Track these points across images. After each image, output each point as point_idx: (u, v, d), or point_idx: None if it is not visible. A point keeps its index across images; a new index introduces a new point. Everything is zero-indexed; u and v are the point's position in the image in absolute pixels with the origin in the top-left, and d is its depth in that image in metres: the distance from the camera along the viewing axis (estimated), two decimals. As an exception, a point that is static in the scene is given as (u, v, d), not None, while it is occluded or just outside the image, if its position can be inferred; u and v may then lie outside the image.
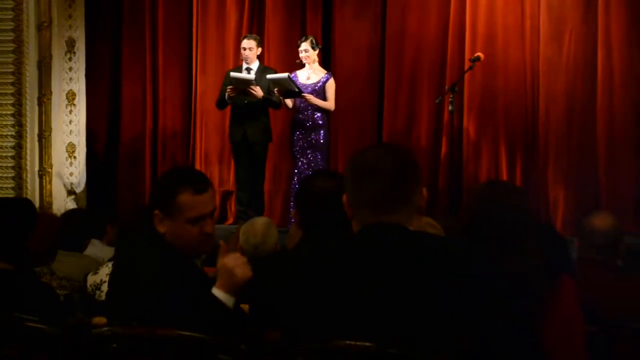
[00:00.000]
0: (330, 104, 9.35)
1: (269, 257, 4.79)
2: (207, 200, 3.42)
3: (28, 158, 9.51)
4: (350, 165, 2.82)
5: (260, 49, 9.61)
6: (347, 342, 2.57)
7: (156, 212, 3.42)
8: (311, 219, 3.50)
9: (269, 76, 9.27)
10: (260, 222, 5.11)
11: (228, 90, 9.26)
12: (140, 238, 3.53)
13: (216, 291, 3.22)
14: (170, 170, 3.99)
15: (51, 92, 9.56)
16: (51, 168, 9.59)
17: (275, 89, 9.24)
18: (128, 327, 3.01)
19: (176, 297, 3.27)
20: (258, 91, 9.19)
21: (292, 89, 9.19)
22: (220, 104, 9.51)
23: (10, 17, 9.44)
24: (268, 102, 9.35)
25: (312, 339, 2.64)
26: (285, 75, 9.21)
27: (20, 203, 4.50)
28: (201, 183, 3.45)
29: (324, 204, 3.39)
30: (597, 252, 4.30)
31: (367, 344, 2.55)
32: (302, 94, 9.22)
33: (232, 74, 9.31)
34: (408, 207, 2.75)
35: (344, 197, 2.83)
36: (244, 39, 9.68)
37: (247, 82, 9.19)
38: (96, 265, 5.01)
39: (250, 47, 9.46)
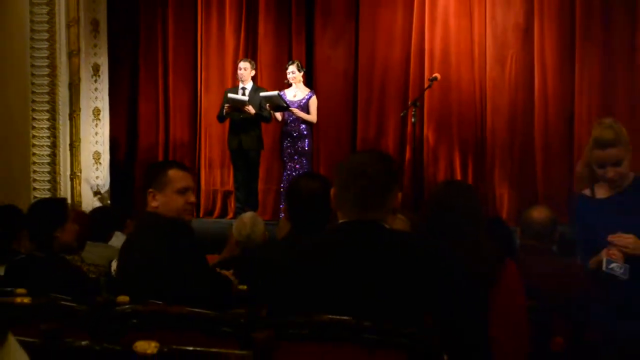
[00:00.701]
0: (312, 117, 9.35)
1: (259, 245, 4.80)
2: (190, 177, 3.70)
3: (61, 164, 9.47)
4: (340, 166, 2.81)
5: (254, 71, 9.61)
6: (329, 316, 2.57)
7: (150, 190, 3.62)
8: (297, 213, 3.49)
9: (261, 94, 9.30)
10: (247, 216, 5.11)
11: (225, 107, 9.29)
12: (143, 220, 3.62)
13: None
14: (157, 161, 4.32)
15: (80, 109, 9.52)
16: (80, 172, 9.56)
17: (267, 104, 9.26)
18: (146, 304, 3.00)
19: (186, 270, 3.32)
20: (250, 109, 9.21)
21: (281, 104, 9.22)
22: (220, 118, 9.53)
23: (46, 46, 9.39)
24: (260, 117, 9.37)
25: (299, 314, 2.63)
26: (275, 92, 9.25)
27: (55, 202, 4.49)
28: (183, 165, 3.80)
29: (309, 201, 3.39)
30: (535, 240, 4.31)
31: (345, 317, 2.55)
32: (290, 108, 9.24)
33: (230, 95, 9.32)
34: (385, 207, 2.75)
35: (332, 192, 2.82)
36: (240, 61, 9.68)
37: (241, 103, 9.22)
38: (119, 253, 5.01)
39: (245, 68, 9.47)
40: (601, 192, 4.23)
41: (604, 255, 3.94)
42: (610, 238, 3.97)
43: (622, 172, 4.11)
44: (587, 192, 4.26)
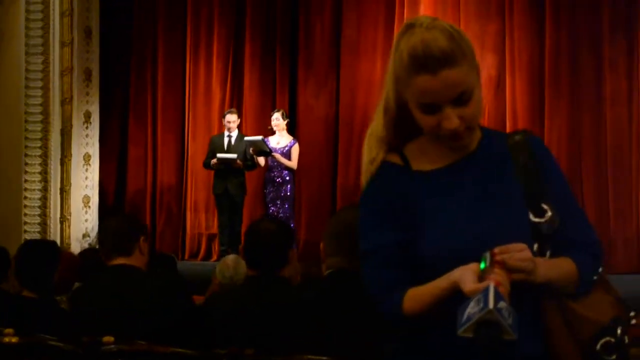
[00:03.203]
0: (293, 163, 9.40)
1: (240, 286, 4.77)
2: None
3: (51, 207, 9.44)
4: (330, 222, 2.83)
5: (239, 120, 9.67)
6: (309, 355, 2.56)
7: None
8: (254, 253, 3.44)
9: (246, 138, 9.40)
10: (230, 258, 5.09)
11: (213, 163, 9.41)
12: None
13: None
14: None
15: (71, 154, 9.52)
16: (70, 216, 9.52)
17: (251, 149, 9.29)
18: (131, 343, 2.97)
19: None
20: (239, 163, 9.31)
21: (264, 149, 9.26)
22: (207, 166, 9.57)
23: (40, 94, 9.42)
24: (246, 167, 9.46)
25: (281, 353, 2.62)
26: (260, 137, 9.33)
27: (47, 244, 4.46)
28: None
29: (265, 242, 3.36)
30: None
31: (324, 357, 2.54)
32: (272, 154, 9.28)
33: (219, 155, 9.39)
34: None
35: (321, 245, 2.84)
36: (227, 113, 9.72)
37: (231, 160, 9.29)
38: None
39: (233, 121, 9.56)
40: (425, 161, 2.03)
41: (486, 282, 1.75)
42: (498, 250, 1.81)
43: (472, 116, 1.95)
44: (394, 159, 2.06)
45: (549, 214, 1.98)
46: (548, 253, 1.97)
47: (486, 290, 1.70)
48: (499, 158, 2.03)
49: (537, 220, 1.98)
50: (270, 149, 9.31)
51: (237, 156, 9.34)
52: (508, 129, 9.66)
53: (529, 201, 1.98)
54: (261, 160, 9.42)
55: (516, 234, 1.88)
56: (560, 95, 9.66)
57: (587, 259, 2.00)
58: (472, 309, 1.69)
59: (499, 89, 9.87)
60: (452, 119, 1.89)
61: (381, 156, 2.04)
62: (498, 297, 1.68)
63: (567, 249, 1.98)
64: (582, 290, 1.98)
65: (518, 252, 1.81)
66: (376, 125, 2.14)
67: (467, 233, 1.90)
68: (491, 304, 1.66)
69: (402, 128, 2.05)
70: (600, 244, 2.08)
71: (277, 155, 9.29)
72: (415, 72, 1.89)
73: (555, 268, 1.92)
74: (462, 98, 1.89)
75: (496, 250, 1.79)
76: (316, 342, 2.63)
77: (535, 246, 1.95)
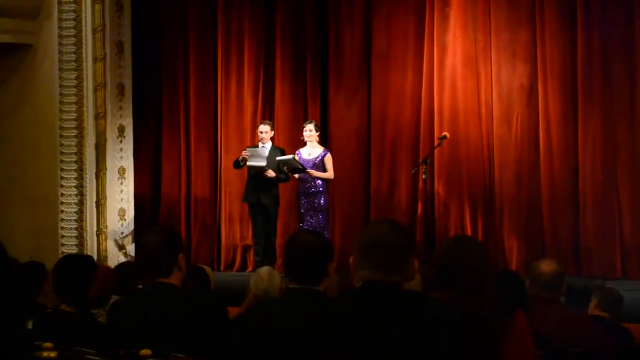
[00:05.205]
0: (330, 174, 9.41)
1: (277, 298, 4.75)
2: None
3: (88, 220, 9.50)
4: (360, 236, 2.83)
5: (273, 132, 9.68)
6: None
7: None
8: (294, 265, 3.44)
9: (278, 158, 9.38)
10: (264, 270, 5.08)
11: (241, 158, 9.42)
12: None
13: None
14: None
15: (106, 168, 9.57)
16: (106, 228, 9.58)
17: (285, 167, 9.31)
18: (167, 357, 2.98)
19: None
20: (270, 173, 9.30)
21: (297, 167, 9.27)
22: (236, 164, 9.63)
23: (74, 109, 9.49)
24: (278, 179, 9.46)
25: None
26: (291, 156, 9.34)
27: (83, 259, 4.49)
28: None
29: (306, 254, 3.35)
30: (543, 291, 4.27)
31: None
32: (306, 170, 9.28)
33: (249, 163, 9.41)
34: (402, 273, 2.75)
35: (351, 259, 2.83)
36: (260, 124, 9.76)
37: (261, 169, 9.29)
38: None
39: (266, 131, 9.55)
40: None
41: None
42: None
43: None
44: None
45: None
46: None
47: None
48: None
49: None
50: (303, 165, 9.32)
51: (267, 166, 9.34)
52: (541, 138, 9.62)
53: None
54: (296, 175, 9.45)
55: None
56: (593, 102, 9.59)
57: None
58: None
59: (531, 98, 9.82)
60: None
61: None
62: None
63: None
64: None
65: None
66: None
67: None
68: None
69: None
70: None
71: (313, 171, 9.30)
72: None
73: None
74: None
75: None
76: (350, 355, 2.62)
77: None
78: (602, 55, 9.58)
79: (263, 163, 9.36)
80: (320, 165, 9.39)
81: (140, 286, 3.58)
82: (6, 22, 9.40)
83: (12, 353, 2.99)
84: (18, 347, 3.07)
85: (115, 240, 9.76)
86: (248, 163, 9.42)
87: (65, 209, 9.53)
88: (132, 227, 10.00)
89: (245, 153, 9.41)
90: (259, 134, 9.60)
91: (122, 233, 9.88)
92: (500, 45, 9.93)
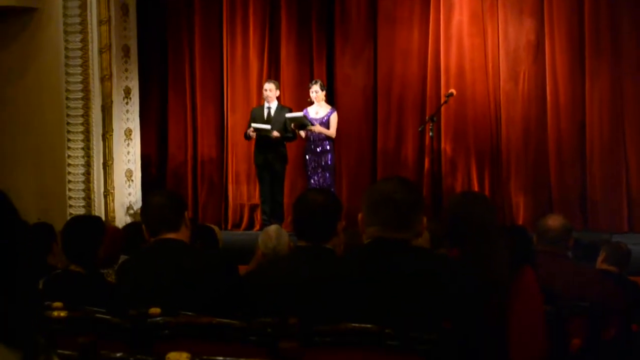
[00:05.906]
0: (332, 132, 9.39)
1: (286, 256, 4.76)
2: None
3: (95, 182, 9.52)
4: (367, 193, 2.83)
5: (278, 91, 9.66)
6: (353, 324, 2.56)
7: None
8: (303, 223, 3.42)
9: (287, 115, 9.36)
10: (272, 229, 5.09)
11: (250, 133, 9.40)
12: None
13: None
14: None
15: (112, 130, 9.57)
16: (113, 190, 9.59)
17: (292, 124, 9.29)
18: (176, 315, 2.99)
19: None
20: (275, 134, 9.29)
21: (306, 124, 9.26)
22: (247, 137, 9.57)
23: (79, 72, 9.45)
24: (284, 138, 9.45)
25: (325, 322, 2.62)
26: (301, 113, 9.33)
27: (92, 220, 4.50)
28: None
29: (314, 212, 3.34)
30: (551, 246, 4.28)
31: (368, 325, 2.54)
32: (308, 127, 9.27)
33: (253, 125, 9.40)
34: (411, 230, 2.75)
35: (359, 216, 2.82)
36: (265, 82, 9.74)
37: (266, 131, 9.29)
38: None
39: (270, 89, 9.53)
40: None
41: None
42: None
43: None
44: None
45: None
46: None
47: None
48: None
49: None
50: (312, 123, 9.30)
51: (272, 127, 9.33)
52: (548, 94, 9.58)
53: None
54: (302, 132, 9.42)
55: None
56: (600, 58, 9.53)
57: None
58: None
59: (538, 54, 9.75)
60: None
61: None
62: None
63: None
64: None
65: None
66: None
67: None
68: None
69: None
70: None
71: (316, 127, 9.28)
72: None
73: None
74: None
75: None
76: (360, 310, 2.63)
77: None
78: (609, 10, 9.50)
79: (268, 126, 9.35)
80: (326, 124, 9.38)
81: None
82: (10, -15, 9.35)
83: (25, 312, 3.01)
84: (31, 307, 3.08)
85: (123, 201, 9.78)
86: (253, 125, 9.40)
87: (72, 171, 9.54)
88: (139, 187, 10.02)
89: (250, 130, 9.40)
90: (264, 92, 9.58)
91: (129, 194, 9.89)
92: (507, 2, 9.85)
